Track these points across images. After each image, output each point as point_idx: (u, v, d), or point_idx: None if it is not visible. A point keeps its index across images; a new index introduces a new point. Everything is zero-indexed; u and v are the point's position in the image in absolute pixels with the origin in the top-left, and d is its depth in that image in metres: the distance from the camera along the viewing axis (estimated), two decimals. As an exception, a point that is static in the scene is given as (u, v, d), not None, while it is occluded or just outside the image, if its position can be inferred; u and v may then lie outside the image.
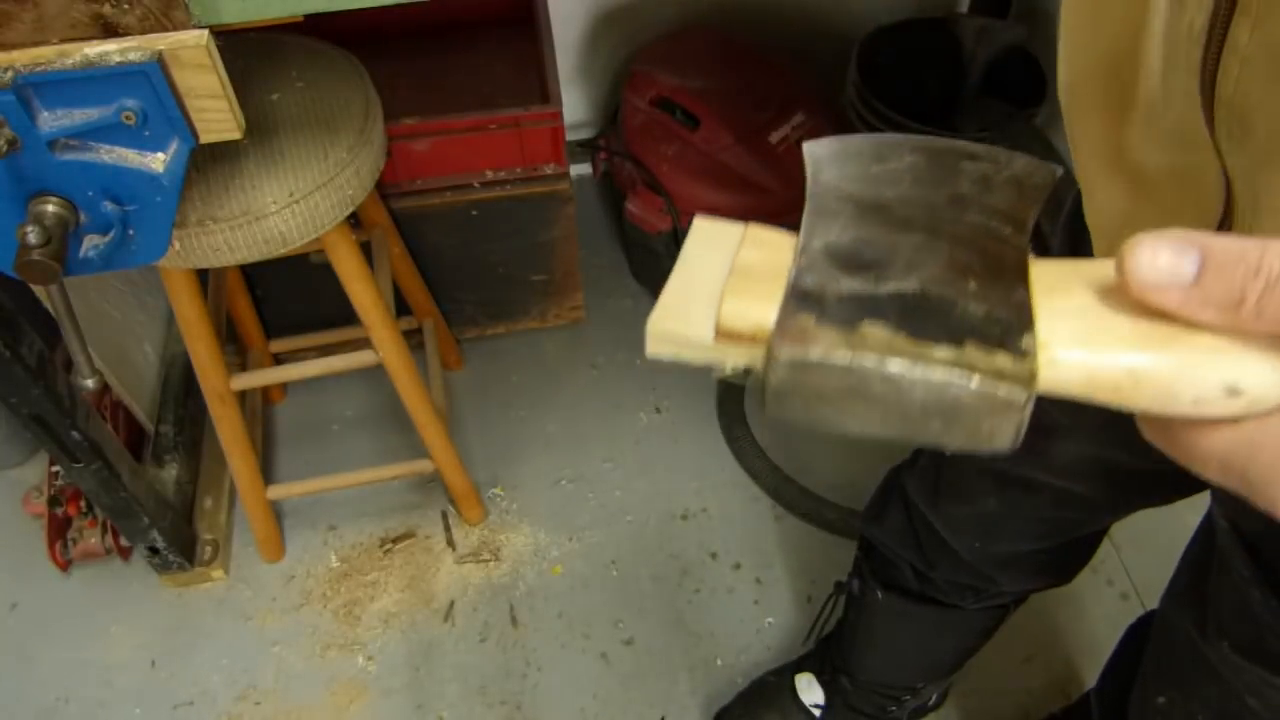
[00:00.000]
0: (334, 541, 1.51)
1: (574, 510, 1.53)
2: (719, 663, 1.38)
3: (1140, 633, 1.06)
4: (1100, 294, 0.30)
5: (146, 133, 0.76)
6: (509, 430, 1.63)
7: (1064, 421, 0.71)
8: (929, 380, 0.28)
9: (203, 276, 1.23)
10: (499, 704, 1.35)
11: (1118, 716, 0.92)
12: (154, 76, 0.72)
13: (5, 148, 0.72)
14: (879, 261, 0.31)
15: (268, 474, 1.55)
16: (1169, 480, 0.73)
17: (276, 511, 1.49)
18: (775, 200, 1.54)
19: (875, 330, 0.29)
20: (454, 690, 1.36)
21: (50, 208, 0.79)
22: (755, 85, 1.63)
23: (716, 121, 1.56)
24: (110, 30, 0.71)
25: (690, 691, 1.35)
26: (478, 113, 1.40)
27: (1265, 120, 0.40)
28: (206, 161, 1.00)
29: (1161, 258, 0.28)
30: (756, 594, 1.44)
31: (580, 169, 1.92)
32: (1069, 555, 0.93)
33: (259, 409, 1.57)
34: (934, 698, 1.27)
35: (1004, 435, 0.29)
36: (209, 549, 1.47)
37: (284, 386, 1.67)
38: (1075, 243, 0.66)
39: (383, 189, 1.43)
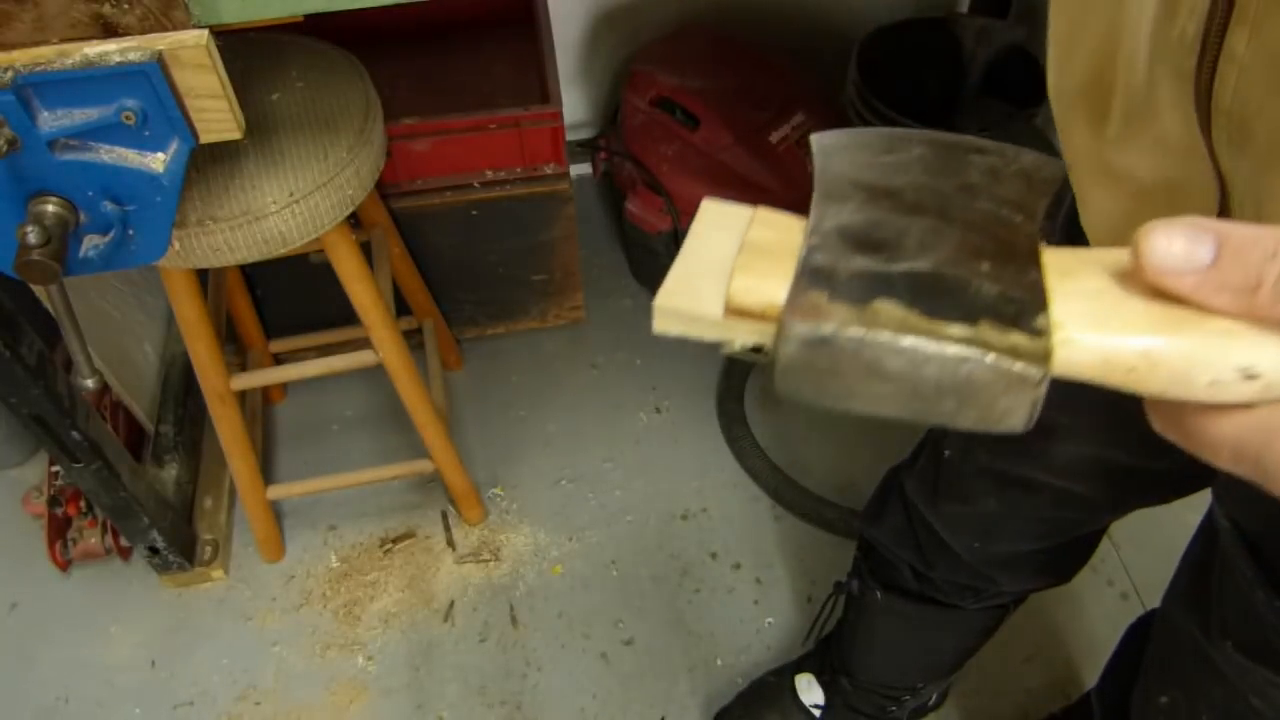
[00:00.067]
0: (334, 541, 1.51)
1: (574, 510, 1.53)
2: (719, 663, 1.38)
3: (1141, 632, 1.06)
4: (1114, 278, 0.30)
5: (146, 133, 0.76)
6: (509, 430, 1.63)
7: (1064, 421, 0.71)
8: (944, 356, 0.28)
9: (203, 276, 1.23)
10: (499, 704, 1.35)
11: (1119, 716, 0.92)
12: (154, 76, 0.72)
13: (5, 148, 0.72)
14: (891, 242, 0.31)
15: (268, 474, 1.55)
16: (1169, 479, 0.74)
17: (276, 511, 1.49)
18: (775, 200, 1.52)
19: (888, 307, 0.29)
20: (454, 690, 1.36)
21: (50, 208, 0.79)
22: (755, 85, 1.63)
23: (716, 121, 1.56)
24: (110, 30, 0.71)
25: (690, 691, 1.35)
26: (478, 113, 1.40)
27: (1266, 126, 0.40)
28: (206, 161, 1.00)
29: (1177, 243, 0.28)
30: (756, 594, 1.44)
31: (580, 169, 1.92)
32: (1068, 555, 0.93)
33: (259, 409, 1.57)
34: (934, 698, 1.27)
35: (1018, 414, 0.29)
36: (209, 549, 1.47)
37: (284, 386, 1.67)
38: (1074, 245, 0.66)
39: (383, 189, 1.43)
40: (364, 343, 1.25)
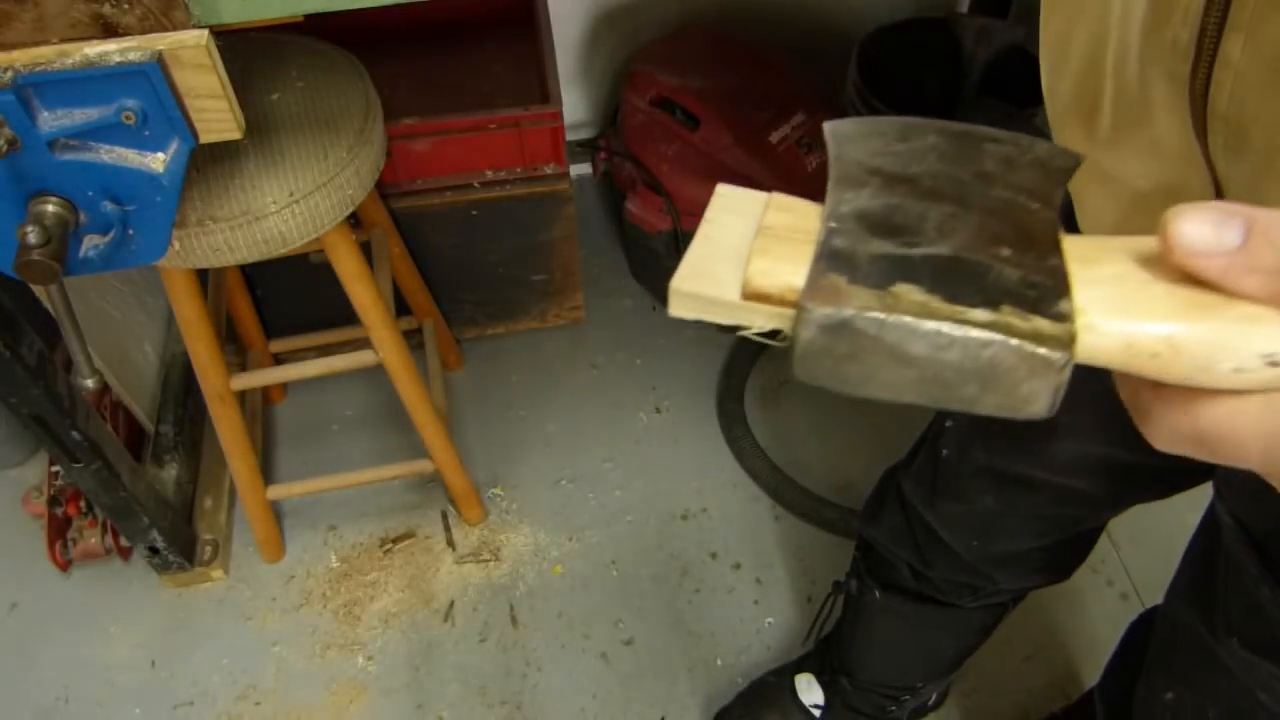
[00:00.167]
0: (334, 541, 1.51)
1: (574, 510, 1.53)
2: (719, 663, 1.38)
3: (1143, 630, 1.05)
4: (1136, 264, 0.30)
5: (146, 133, 0.76)
6: (509, 430, 1.63)
7: (1063, 419, 0.71)
8: (967, 340, 0.28)
9: (203, 276, 1.23)
10: (499, 704, 1.35)
11: (1122, 714, 0.92)
12: (154, 76, 0.72)
13: (5, 148, 0.72)
14: (910, 227, 0.31)
15: (268, 474, 1.55)
16: (1170, 475, 0.74)
17: (276, 511, 1.49)
18: (775, 200, 1.54)
19: (909, 291, 0.29)
20: (454, 690, 1.36)
21: (50, 208, 0.79)
22: (755, 85, 1.63)
23: (716, 121, 1.56)
24: (110, 30, 0.71)
25: (690, 691, 1.35)
26: (478, 113, 1.40)
27: (1263, 131, 0.41)
28: (206, 161, 1.00)
29: (1205, 226, 0.28)
30: (756, 594, 1.44)
31: (580, 169, 1.92)
32: (1067, 552, 0.93)
33: (259, 409, 1.58)
34: (934, 697, 1.27)
35: (1041, 399, 0.29)
36: (209, 549, 1.47)
37: (284, 386, 1.67)
38: None
39: (383, 189, 1.43)
40: (364, 343, 1.25)
